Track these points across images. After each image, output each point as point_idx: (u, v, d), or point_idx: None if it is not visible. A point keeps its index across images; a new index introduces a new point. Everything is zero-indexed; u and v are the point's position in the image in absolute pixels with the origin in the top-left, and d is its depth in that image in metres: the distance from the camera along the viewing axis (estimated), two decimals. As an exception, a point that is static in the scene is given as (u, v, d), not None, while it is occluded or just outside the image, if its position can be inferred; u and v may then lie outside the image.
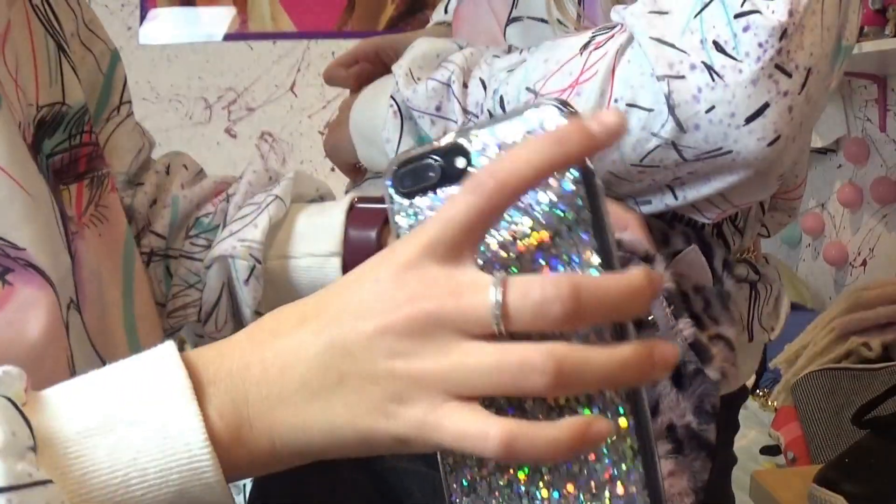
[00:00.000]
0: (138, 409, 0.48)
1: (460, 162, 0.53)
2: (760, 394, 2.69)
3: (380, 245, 0.84)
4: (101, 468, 0.46)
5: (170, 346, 0.51)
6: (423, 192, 0.54)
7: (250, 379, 0.50)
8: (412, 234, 0.51)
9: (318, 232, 0.86)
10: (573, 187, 0.50)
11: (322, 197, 0.95)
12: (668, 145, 0.73)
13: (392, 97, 0.88)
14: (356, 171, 1.00)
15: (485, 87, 0.83)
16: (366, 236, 0.85)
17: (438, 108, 0.85)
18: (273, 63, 3.99)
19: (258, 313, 0.85)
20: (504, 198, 0.48)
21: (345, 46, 4.02)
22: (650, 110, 0.72)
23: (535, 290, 0.46)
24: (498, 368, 0.46)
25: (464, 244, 0.49)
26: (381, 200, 0.85)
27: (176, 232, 0.90)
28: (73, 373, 0.67)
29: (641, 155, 0.75)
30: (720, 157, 0.73)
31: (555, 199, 0.51)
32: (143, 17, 3.98)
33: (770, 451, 2.31)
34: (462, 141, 0.53)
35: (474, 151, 0.53)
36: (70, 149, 0.75)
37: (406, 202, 0.55)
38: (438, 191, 0.54)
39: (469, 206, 0.48)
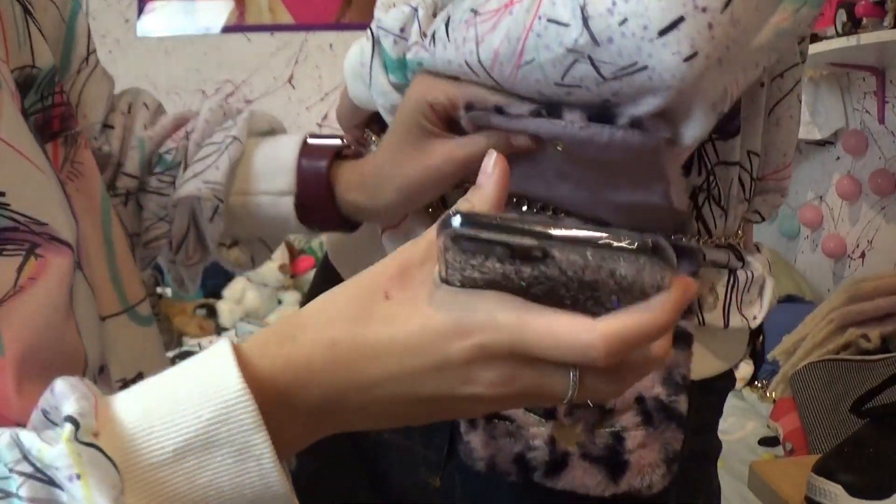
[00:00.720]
0: (211, 432, 0.51)
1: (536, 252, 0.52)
2: (759, 385, 2.69)
3: (329, 179, 0.89)
4: (180, 492, 0.51)
5: (233, 369, 0.53)
6: (486, 257, 0.53)
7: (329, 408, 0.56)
8: (509, 321, 0.53)
9: (273, 169, 0.92)
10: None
11: (273, 130, 1.00)
12: (585, 60, 0.72)
13: (370, 27, 0.89)
14: (360, 134, 1.00)
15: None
16: (316, 170, 0.90)
17: (402, 30, 0.87)
18: (271, 55, 3.99)
19: (221, 244, 0.94)
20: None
21: (343, 38, 4.02)
22: (567, 25, 0.72)
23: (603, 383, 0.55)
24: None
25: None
26: (331, 138, 0.92)
27: (144, 171, 0.95)
28: (79, 335, 0.69)
29: (562, 72, 0.74)
30: (637, 75, 0.71)
31: None
32: (140, 10, 3.98)
33: (768, 442, 2.31)
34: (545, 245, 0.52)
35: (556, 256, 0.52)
36: (43, 109, 0.77)
37: (464, 258, 0.54)
38: (504, 264, 0.53)
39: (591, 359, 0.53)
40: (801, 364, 2.23)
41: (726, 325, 0.92)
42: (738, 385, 2.73)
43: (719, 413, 1.02)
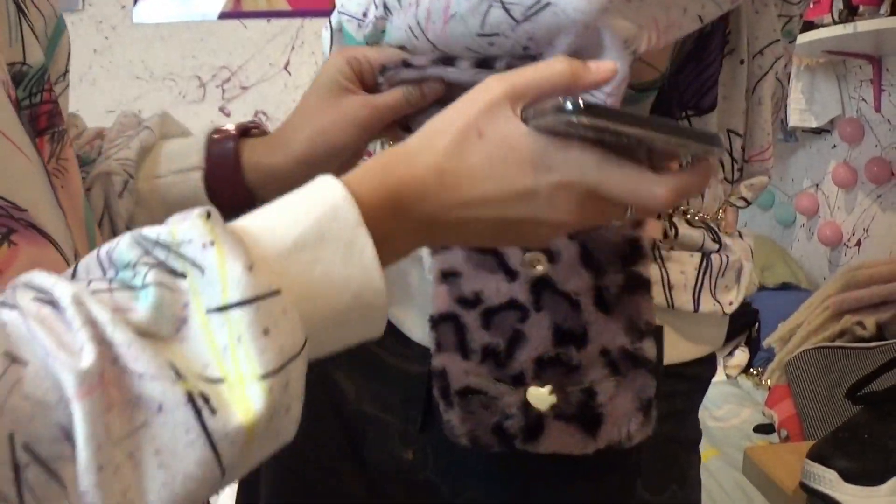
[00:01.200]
0: (323, 227, 0.58)
1: None
2: (754, 373, 2.70)
3: (237, 150, 0.92)
4: (299, 281, 0.57)
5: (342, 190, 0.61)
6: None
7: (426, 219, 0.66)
8: (583, 165, 0.65)
9: (183, 151, 0.94)
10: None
11: (184, 134, 1.01)
12: (497, 4, 0.74)
13: (329, 17, 0.91)
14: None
15: None
16: (225, 148, 0.92)
17: (364, 14, 0.90)
18: (267, 42, 3.98)
19: (128, 228, 0.92)
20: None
21: (339, 25, 4.01)
22: None
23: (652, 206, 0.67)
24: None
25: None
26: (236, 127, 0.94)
27: None
28: None
29: (479, 21, 0.76)
30: (544, 12, 0.72)
31: None
32: (136, -4, 3.97)
33: (763, 429, 2.31)
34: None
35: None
36: (30, 107, 0.77)
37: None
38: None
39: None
40: (796, 351, 2.23)
41: (696, 308, 0.91)
42: (734, 373, 2.74)
43: (695, 401, 1.01)
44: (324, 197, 0.60)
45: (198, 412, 0.50)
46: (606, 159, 0.65)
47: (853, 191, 3.03)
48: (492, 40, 0.77)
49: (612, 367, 0.86)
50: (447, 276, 0.89)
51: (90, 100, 3.83)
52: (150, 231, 0.54)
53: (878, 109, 2.84)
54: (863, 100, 2.94)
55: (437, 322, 0.90)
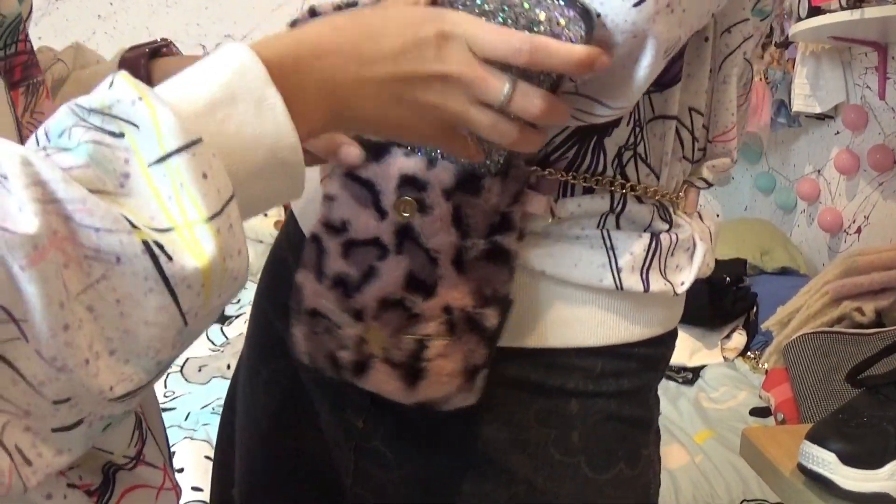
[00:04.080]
0: (233, 85, 0.59)
1: None
2: (751, 356, 2.71)
3: (147, 66, 0.92)
4: (214, 141, 0.57)
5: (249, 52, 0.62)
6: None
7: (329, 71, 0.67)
8: (474, 23, 0.70)
9: (95, 79, 0.90)
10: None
11: (98, 62, 1.00)
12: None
13: None
14: None
15: None
16: (136, 65, 0.92)
17: None
18: (272, 11, 3.97)
19: None
20: (526, 62, 0.70)
21: (345, -3, 4.00)
22: None
23: (532, 95, 0.71)
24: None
25: (490, 59, 0.70)
26: (146, 45, 0.94)
27: None
28: None
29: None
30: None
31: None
32: (142, -38, 3.95)
33: (759, 412, 2.32)
34: None
35: None
36: (5, 58, 0.75)
37: None
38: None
39: (508, 50, 0.70)
40: (794, 335, 2.24)
41: (646, 288, 0.91)
42: (731, 355, 2.75)
43: (646, 381, 0.99)
44: (231, 59, 0.60)
45: (155, 259, 0.52)
46: (484, 19, 0.72)
47: (855, 178, 3.03)
48: None
49: (449, 325, 0.88)
50: (326, 199, 0.91)
51: (93, 65, 3.81)
52: (84, 99, 0.55)
53: (882, 97, 2.84)
54: (867, 87, 2.94)
55: (308, 241, 0.92)
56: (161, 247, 0.52)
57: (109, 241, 0.51)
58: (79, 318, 0.50)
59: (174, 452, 2.11)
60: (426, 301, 0.88)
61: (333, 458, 1.03)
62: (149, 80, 0.91)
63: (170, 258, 0.52)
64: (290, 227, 1.09)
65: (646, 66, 0.77)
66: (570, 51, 0.71)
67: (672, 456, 2.13)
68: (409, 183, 0.85)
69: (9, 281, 0.48)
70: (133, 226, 0.52)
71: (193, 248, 0.53)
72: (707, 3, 0.80)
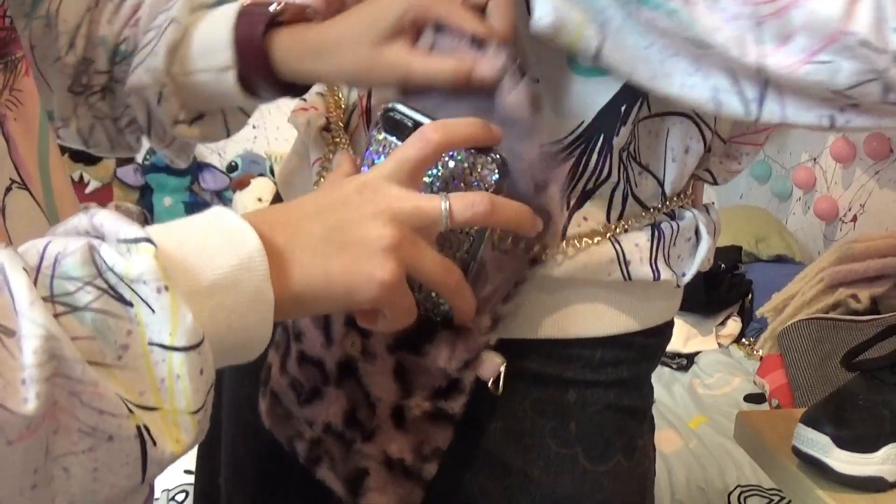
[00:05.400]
0: (238, 276, 0.61)
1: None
2: (746, 342, 2.71)
3: (264, 45, 0.89)
4: (203, 323, 0.57)
5: (247, 227, 0.63)
6: (395, 137, 0.78)
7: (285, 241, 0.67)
8: (378, 167, 0.72)
9: (210, 47, 0.92)
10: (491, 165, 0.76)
11: (221, 1, 0.98)
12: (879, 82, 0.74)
13: None
14: None
15: None
16: (253, 40, 0.90)
17: None
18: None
19: (180, 122, 0.94)
20: (443, 147, 0.72)
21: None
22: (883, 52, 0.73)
23: (468, 200, 0.70)
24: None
25: (415, 175, 0.71)
26: (267, 5, 0.91)
27: (111, 64, 0.97)
28: None
29: (851, 84, 0.75)
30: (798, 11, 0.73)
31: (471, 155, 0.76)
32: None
33: (754, 399, 2.32)
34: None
35: None
36: None
37: (382, 136, 0.79)
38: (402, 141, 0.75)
39: (420, 149, 0.71)
40: (789, 321, 2.24)
41: (657, 277, 0.90)
42: (726, 342, 2.75)
43: (643, 371, 0.99)
44: (241, 247, 0.61)
45: (143, 444, 0.54)
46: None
47: (851, 166, 3.02)
48: (849, 96, 0.77)
49: (388, 467, 0.88)
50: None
51: None
52: (108, 253, 0.55)
53: (879, 85, 2.83)
54: (865, 75, 2.94)
55: (280, 328, 0.91)
56: (148, 430, 0.54)
57: (108, 423, 0.52)
58: (51, 475, 0.51)
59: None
60: (364, 443, 0.88)
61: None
62: (268, 64, 0.89)
63: (154, 443, 0.54)
64: None
65: None
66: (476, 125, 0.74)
67: (666, 441, 2.13)
68: (355, 324, 0.80)
69: None
70: (129, 409, 0.53)
71: (173, 434, 0.56)
72: None
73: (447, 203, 0.69)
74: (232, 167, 4.23)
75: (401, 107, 0.78)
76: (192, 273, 0.59)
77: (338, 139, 0.97)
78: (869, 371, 1.27)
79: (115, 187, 4.06)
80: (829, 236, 3.14)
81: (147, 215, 4.05)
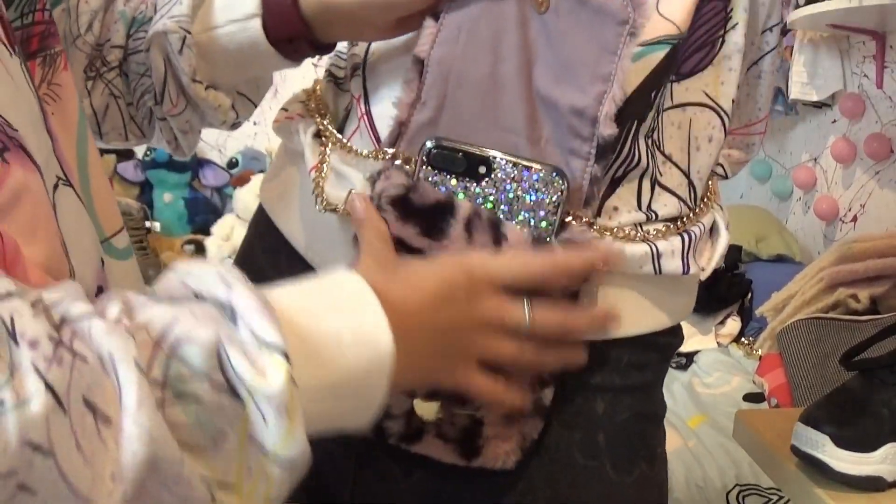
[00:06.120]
0: (365, 379, 0.64)
1: (482, 169, 0.81)
2: (745, 342, 2.71)
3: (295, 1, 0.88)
4: (311, 421, 0.57)
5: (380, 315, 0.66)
6: (448, 173, 0.81)
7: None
8: (493, 265, 0.78)
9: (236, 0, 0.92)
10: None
11: None
12: None
13: None
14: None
15: None
16: None
17: None
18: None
19: (196, 81, 0.93)
20: (545, 281, 0.79)
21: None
22: None
23: (549, 313, 0.78)
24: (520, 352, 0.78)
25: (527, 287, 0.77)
26: None
27: (127, 38, 0.97)
28: (66, 254, 0.67)
29: None
30: None
31: None
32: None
33: (753, 398, 2.32)
34: (492, 158, 0.81)
35: (497, 172, 0.81)
36: (22, 27, 0.75)
37: (432, 171, 0.81)
38: (460, 178, 0.81)
39: (532, 274, 0.78)
40: (789, 321, 2.24)
41: (685, 270, 0.89)
42: (725, 341, 2.75)
43: (662, 372, 0.98)
44: (372, 348, 0.64)
45: None
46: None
47: (851, 166, 3.03)
48: None
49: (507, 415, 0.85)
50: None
51: None
52: (237, 358, 0.54)
53: (879, 86, 2.84)
54: (865, 76, 2.94)
55: None
56: None
57: None
58: None
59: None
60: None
61: (329, 470, 0.96)
62: (295, 3, 0.89)
63: None
64: (261, 228, 1.04)
65: None
66: (583, 260, 0.80)
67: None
68: None
69: None
70: (212, 496, 0.53)
71: None
72: None
73: (529, 312, 0.76)
74: (232, 164, 4.24)
75: (445, 142, 0.81)
76: (318, 368, 0.60)
77: (333, 144, 0.93)
78: (868, 370, 1.27)
79: (116, 183, 4.07)
80: (829, 236, 3.14)
81: (147, 211, 4.06)
